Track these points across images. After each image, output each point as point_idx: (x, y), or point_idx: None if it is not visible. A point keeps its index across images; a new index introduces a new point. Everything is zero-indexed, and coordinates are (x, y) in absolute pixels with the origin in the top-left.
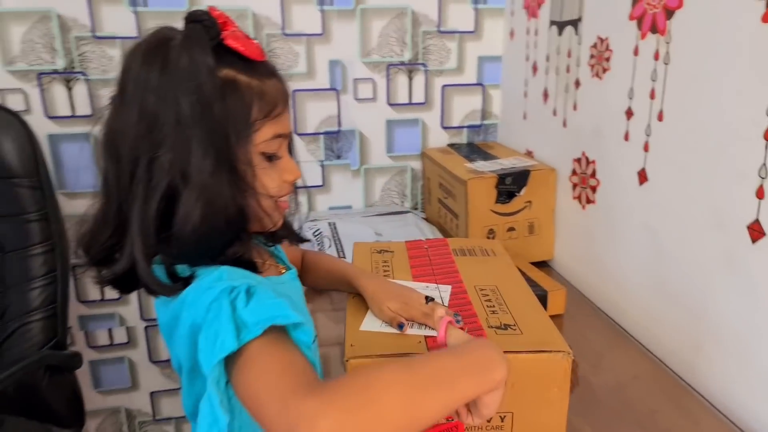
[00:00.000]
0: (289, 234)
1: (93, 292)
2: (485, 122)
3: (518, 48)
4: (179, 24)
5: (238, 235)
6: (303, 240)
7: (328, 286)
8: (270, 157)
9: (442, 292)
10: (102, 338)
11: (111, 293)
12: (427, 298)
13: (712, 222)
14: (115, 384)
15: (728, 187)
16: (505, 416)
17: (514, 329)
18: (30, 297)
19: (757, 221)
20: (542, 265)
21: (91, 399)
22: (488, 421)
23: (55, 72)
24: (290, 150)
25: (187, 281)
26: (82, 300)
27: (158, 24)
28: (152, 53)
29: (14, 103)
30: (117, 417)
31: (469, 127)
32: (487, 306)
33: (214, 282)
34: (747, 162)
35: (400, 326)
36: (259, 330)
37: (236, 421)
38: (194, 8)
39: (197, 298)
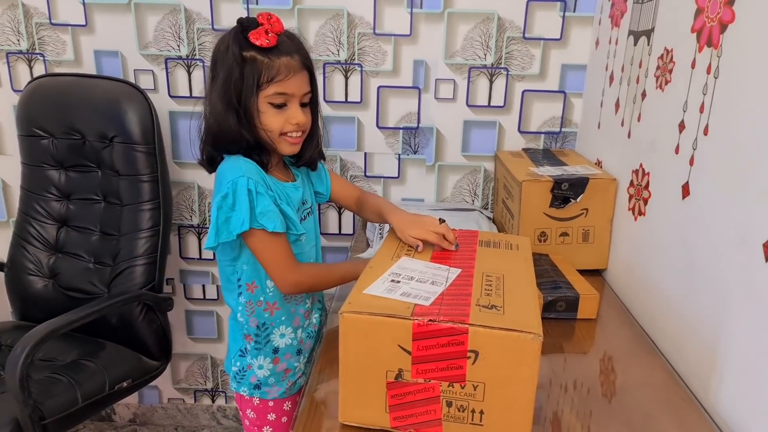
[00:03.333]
0: (307, 163)
1: (193, 250)
2: (564, 129)
3: (601, 57)
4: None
5: (249, 146)
6: (314, 167)
7: (375, 219)
8: (279, 107)
9: (451, 273)
10: (197, 292)
11: (207, 253)
12: (440, 219)
13: (737, 239)
14: (204, 333)
15: (753, 205)
16: (477, 386)
17: (499, 310)
18: (137, 244)
19: None
20: (594, 273)
21: (184, 343)
22: (462, 388)
23: (179, 58)
24: (312, 107)
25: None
26: (184, 256)
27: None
28: (220, 40)
29: (145, 82)
30: (204, 362)
31: (546, 133)
32: (485, 288)
33: (231, 166)
34: (767, 180)
35: (417, 247)
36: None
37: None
38: (297, 7)
39: (221, 174)
